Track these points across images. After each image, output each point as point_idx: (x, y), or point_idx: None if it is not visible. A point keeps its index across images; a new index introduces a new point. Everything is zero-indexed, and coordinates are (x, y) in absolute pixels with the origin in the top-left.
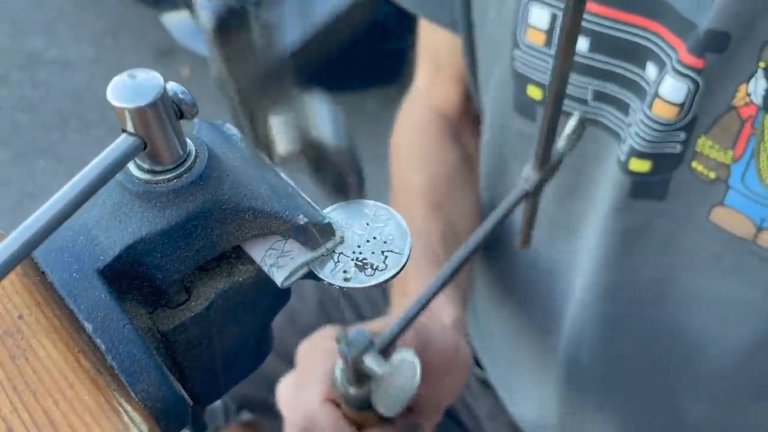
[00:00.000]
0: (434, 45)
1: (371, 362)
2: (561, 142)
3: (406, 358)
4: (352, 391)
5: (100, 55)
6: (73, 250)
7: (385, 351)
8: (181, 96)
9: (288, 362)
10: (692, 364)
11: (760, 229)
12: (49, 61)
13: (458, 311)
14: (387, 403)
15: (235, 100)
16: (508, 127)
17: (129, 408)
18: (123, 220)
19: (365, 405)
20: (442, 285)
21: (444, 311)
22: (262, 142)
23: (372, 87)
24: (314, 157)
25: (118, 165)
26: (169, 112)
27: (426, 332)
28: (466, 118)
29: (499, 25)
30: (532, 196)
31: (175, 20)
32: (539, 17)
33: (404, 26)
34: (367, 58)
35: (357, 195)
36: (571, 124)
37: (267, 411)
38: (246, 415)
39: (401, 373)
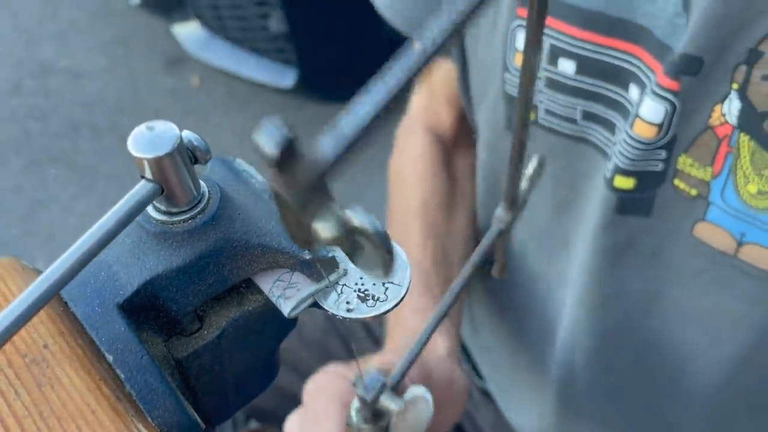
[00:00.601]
0: (429, 69)
1: (387, 401)
2: (525, 183)
3: (417, 393)
4: (367, 428)
5: (111, 64)
6: (95, 285)
7: (396, 388)
8: (195, 143)
9: (296, 373)
10: (683, 375)
11: (740, 243)
12: (60, 71)
13: (450, 341)
14: None
15: (288, 211)
16: (500, 145)
17: None
18: (141, 257)
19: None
20: (437, 322)
21: (438, 344)
22: (308, 234)
23: None
24: (353, 239)
25: (137, 209)
26: (184, 158)
27: (426, 366)
28: (461, 139)
29: (490, 49)
30: (505, 233)
31: (185, 31)
32: None
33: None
34: (374, 70)
35: (390, 266)
36: (532, 165)
37: (274, 420)
38: (254, 424)
39: (416, 407)
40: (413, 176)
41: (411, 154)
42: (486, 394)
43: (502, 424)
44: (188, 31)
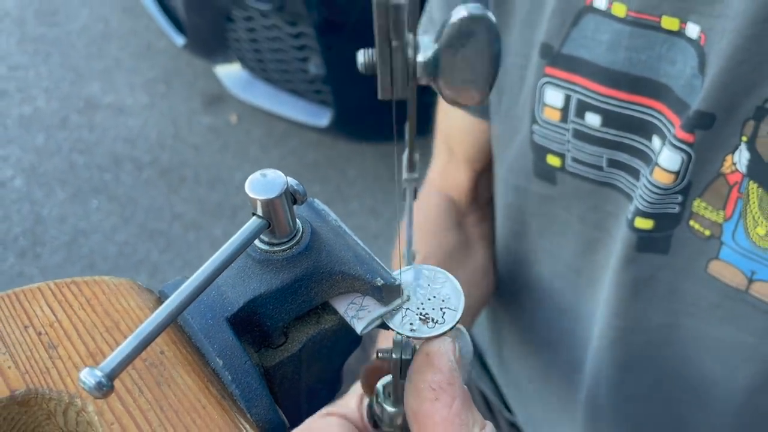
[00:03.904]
0: (447, 126)
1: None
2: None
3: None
4: (391, 408)
5: (152, 101)
6: (208, 302)
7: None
8: (295, 187)
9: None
10: (700, 402)
11: (751, 280)
12: (105, 106)
13: None
14: None
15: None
16: (528, 190)
17: (247, 426)
18: (246, 279)
19: (398, 424)
20: None
21: None
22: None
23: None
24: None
25: (249, 240)
26: (288, 200)
27: None
28: (475, 202)
29: (517, 101)
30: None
31: (227, 71)
32: (554, 98)
33: None
34: (404, 114)
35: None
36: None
37: None
38: None
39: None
40: (423, 232)
41: (422, 213)
42: (514, 427)
43: None
44: (230, 72)
